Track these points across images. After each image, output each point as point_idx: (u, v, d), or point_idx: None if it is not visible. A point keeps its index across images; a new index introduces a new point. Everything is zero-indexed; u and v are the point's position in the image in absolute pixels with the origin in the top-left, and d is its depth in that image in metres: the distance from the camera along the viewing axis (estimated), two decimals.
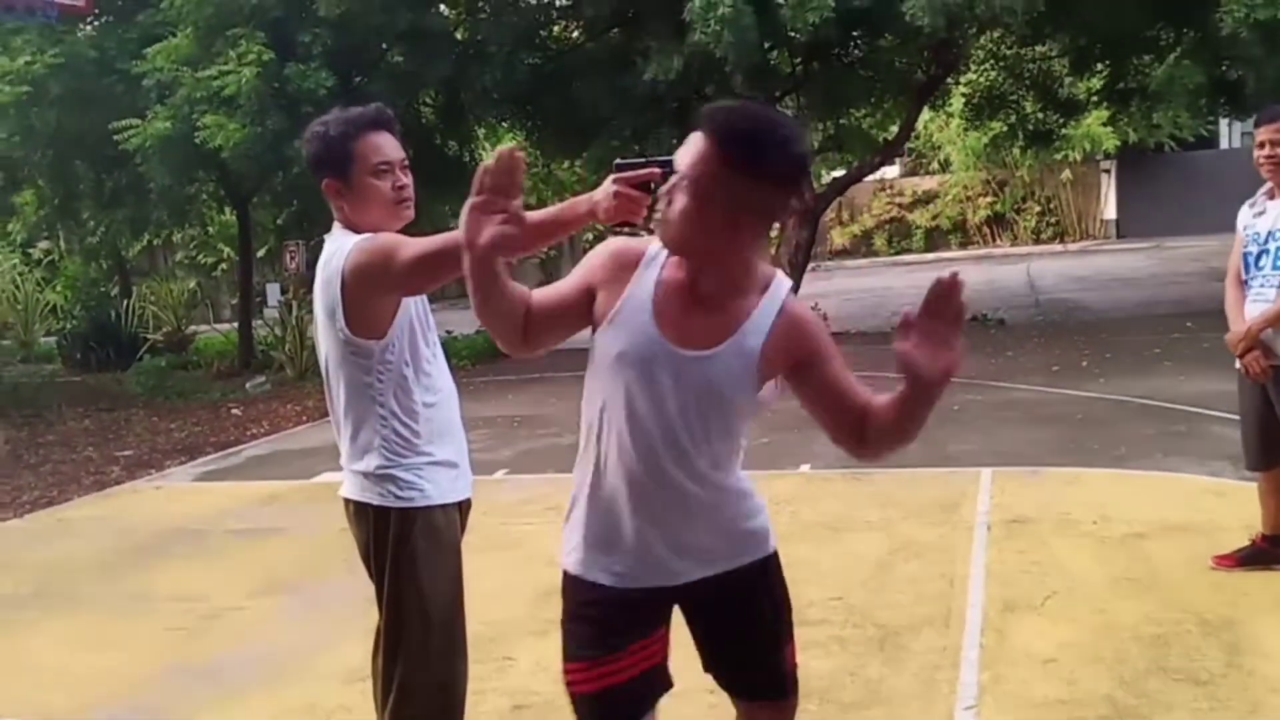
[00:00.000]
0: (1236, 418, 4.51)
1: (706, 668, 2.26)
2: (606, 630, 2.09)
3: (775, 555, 2.22)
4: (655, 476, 2.04)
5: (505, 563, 5.11)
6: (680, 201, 1.94)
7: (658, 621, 2.15)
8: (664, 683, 2.15)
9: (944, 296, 1.76)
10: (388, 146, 2.61)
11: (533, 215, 2.44)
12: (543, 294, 2.12)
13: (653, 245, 2.09)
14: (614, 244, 2.14)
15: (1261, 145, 4.13)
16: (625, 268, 2.08)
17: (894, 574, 4.66)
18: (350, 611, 4.56)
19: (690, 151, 1.94)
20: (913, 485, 6.01)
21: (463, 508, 2.71)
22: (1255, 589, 4.15)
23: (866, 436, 1.97)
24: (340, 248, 2.54)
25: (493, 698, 3.72)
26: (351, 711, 3.69)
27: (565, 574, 2.16)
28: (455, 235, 2.22)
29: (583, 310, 2.09)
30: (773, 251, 17.31)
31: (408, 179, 2.63)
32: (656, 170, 2.16)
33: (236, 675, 4.17)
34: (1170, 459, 6.17)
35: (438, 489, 2.59)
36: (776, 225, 2.22)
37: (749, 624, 2.19)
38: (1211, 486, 5.56)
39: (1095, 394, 8.23)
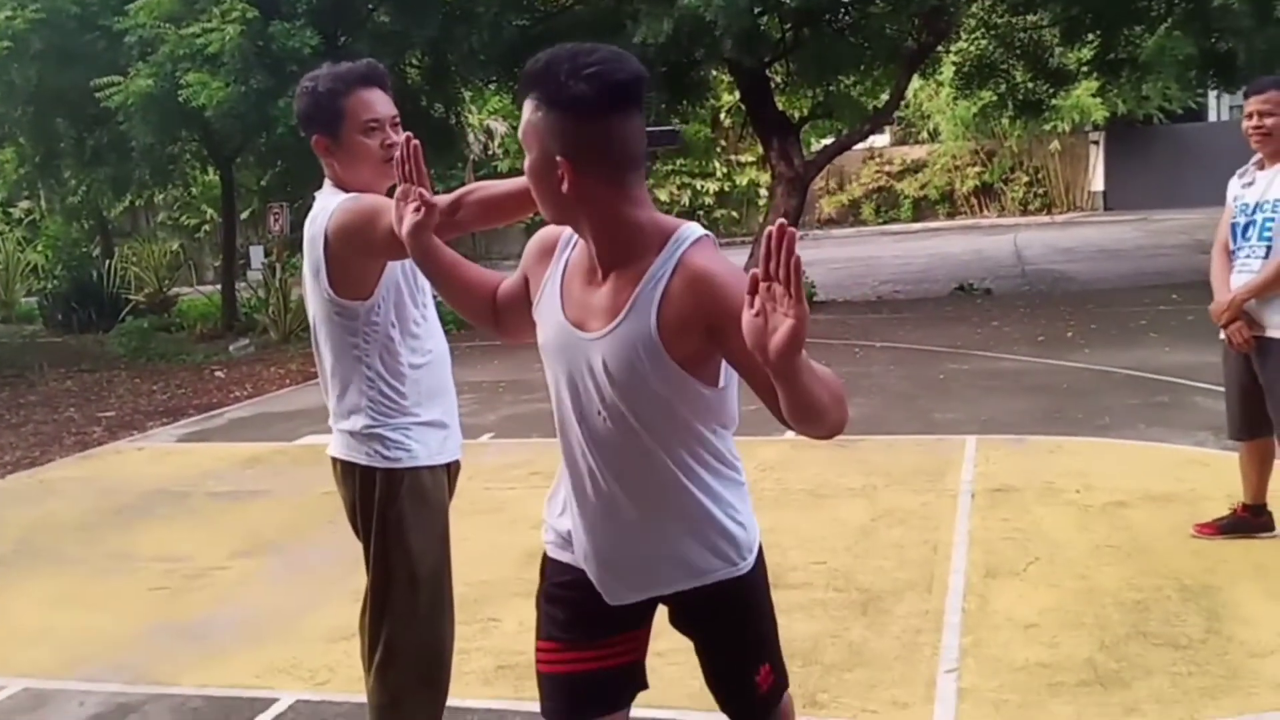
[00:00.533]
0: (1220, 388, 4.53)
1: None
2: (580, 616, 1.98)
3: (749, 577, 1.96)
4: (589, 479, 1.90)
5: (490, 525, 5.12)
6: (526, 165, 1.83)
7: (636, 620, 2.01)
8: (635, 682, 2.04)
9: (772, 254, 1.52)
10: (379, 103, 2.55)
11: (505, 184, 2.41)
12: (505, 283, 2.09)
13: (569, 230, 1.94)
14: (541, 231, 2.00)
15: (1250, 116, 4.12)
16: (546, 253, 1.96)
17: (877, 540, 4.68)
18: (333, 572, 4.58)
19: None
20: (897, 453, 6.03)
21: (451, 470, 2.70)
22: (1235, 556, 4.19)
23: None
24: (325, 207, 2.51)
25: (477, 657, 3.72)
26: (335, 670, 3.70)
27: (545, 551, 2.08)
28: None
29: (529, 300, 2.01)
30: (761, 220, 17.22)
31: (398, 137, 2.55)
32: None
33: (220, 635, 4.17)
34: (1154, 429, 6.20)
35: (425, 449, 2.57)
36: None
37: (714, 643, 2.04)
38: (1194, 456, 5.59)
39: (1080, 364, 8.26)
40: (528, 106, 1.76)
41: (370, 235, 2.40)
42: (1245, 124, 4.15)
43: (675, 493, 1.87)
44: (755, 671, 2.02)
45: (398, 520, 2.53)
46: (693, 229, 1.82)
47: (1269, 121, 4.06)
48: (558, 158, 1.73)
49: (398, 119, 2.58)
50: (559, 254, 1.93)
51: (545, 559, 2.08)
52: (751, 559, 1.97)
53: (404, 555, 2.53)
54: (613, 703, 2.02)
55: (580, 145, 1.73)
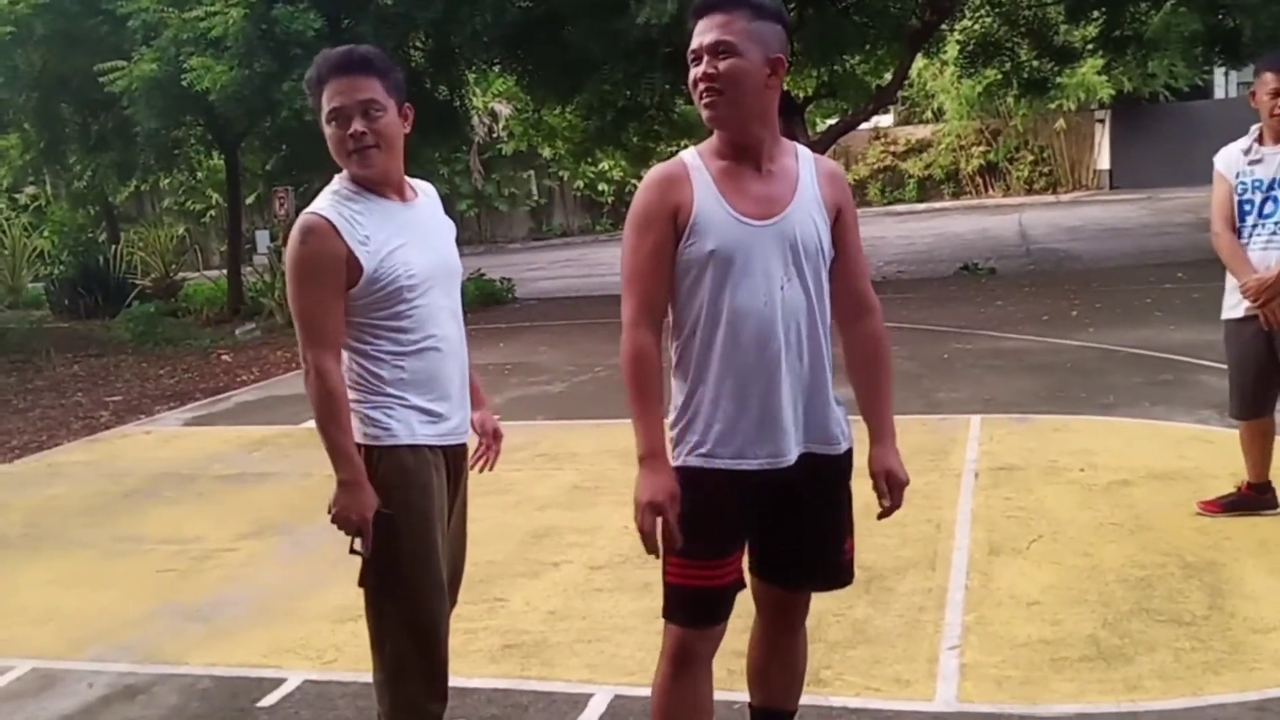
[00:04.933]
0: (1224, 367, 4.51)
1: (756, 565, 2.44)
2: (717, 534, 2.30)
3: (851, 452, 2.44)
4: (769, 347, 2.23)
5: (496, 506, 5.14)
6: (725, 64, 2.15)
7: (742, 538, 2.36)
8: (738, 591, 2.39)
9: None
10: (344, 91, 2.49)
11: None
12: (652, 293, 2.25)
13: (685, 155, 2.29)
14: (653, 177, 2.27)
15: (1274, 94, 4.03)
16: (679, 182, 2.24)
17: None
18: (340, 553, 4.56)
19: (706, 33, 2.16)
20: (901, 432, 5.95)
21: (449, 453, 2.67)
22: (1238, 533, 4.20)
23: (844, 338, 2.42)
24: (307, 209, 2.54)
25: (484, 636, 3.75)
26: (343, 650, 3.73)
27: (681, 470, 2.28)
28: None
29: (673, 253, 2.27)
30: None
31: (367, 124, 2.49)
32: None
33: (228, 615, 4.20)
34: (1158, 407, 6.20)
35: (406, 429, 2.56)
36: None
37: (829, 510, 2.42)
38: (1198, 434, 5.60)
39: (1085, 343, 8.25)
40: (736, 17, 2.14)
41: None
42: (1266, 101, 4.06)
43: (825, 362, 2.33)
44: (845, 540, 2.45)
45: (380, 496, 2.54)
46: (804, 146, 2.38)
47: None
48: (776, 55, 2.18)
49: (374, 102, 2.49)
50: (694, 177, 2.24)
51: (683, 478, 2.26)
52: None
53: (388, 531, 2.54)
54: (727, 613, 2.37)
55: (784, 49, 2.20)
